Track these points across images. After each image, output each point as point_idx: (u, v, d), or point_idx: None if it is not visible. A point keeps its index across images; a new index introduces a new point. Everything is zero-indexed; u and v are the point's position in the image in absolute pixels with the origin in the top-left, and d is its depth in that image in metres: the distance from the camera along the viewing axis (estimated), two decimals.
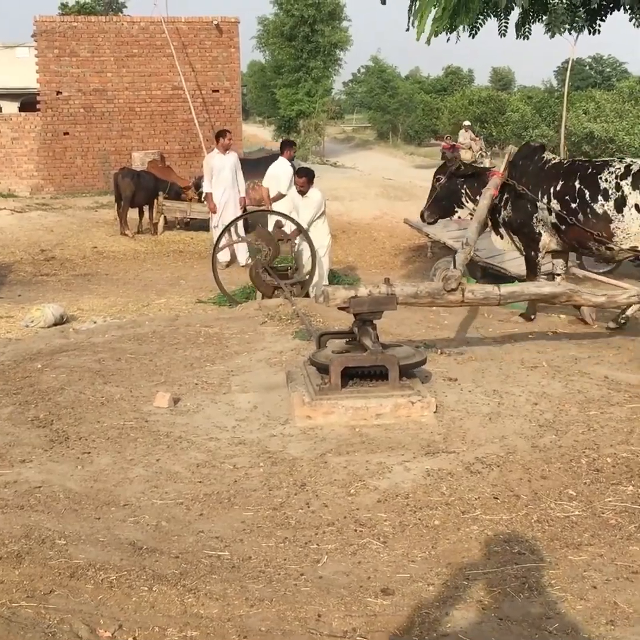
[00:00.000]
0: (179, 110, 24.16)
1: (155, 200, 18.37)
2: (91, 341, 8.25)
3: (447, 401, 6.33)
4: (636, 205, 8.42)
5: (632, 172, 8.50)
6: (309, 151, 38.94)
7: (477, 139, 29.97)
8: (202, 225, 18.59)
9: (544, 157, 9.24)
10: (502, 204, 9.27)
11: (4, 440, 5.74)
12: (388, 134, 57.72)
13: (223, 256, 13.94)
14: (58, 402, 6.48)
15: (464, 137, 30.31)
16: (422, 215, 10.00)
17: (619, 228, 8.51)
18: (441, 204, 9.76)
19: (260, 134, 54.55)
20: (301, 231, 10.84)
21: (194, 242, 17.82)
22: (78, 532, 4.49)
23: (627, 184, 8.47)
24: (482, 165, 9.56)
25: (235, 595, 3.87)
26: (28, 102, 28.98)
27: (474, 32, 9.83)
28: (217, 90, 24.51)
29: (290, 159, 14.26)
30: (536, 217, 9.02)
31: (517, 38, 10.04)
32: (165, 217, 18.50)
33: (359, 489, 5.03)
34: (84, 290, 12.95)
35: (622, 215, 8.48)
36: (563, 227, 8.86)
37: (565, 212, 8.75)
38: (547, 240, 9.08)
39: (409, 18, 9.62)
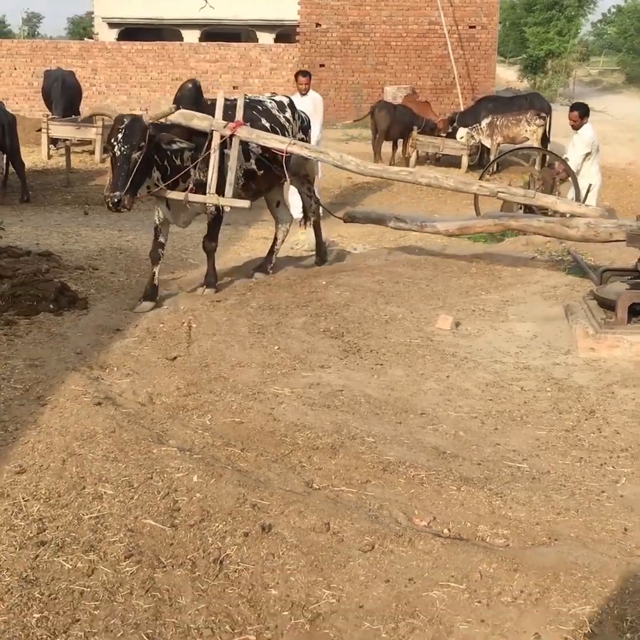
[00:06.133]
0: (434, 46, 24.17)
1: (410, 135, 18.58)
2: (367, 264, 8.61)
3: None
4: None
5: (286, 103, 8.47)
6: (556, 93, 38.01)
7: None
8: (453, 162, 18.71)
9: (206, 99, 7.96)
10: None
11: (302, 347, 6.16)
12: (639, 78, 55.22)
13: None
14: (345, 316, 6.85)
15: None
16: (118, 203, 6.82)
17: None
18: (137, 180, 7.03)
19: (501, 74, 53.36)
20: (569, 173, 10.75)
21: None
22: (383, 434, 4.82)
23: (290, 114, 8.41)
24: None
25: (540, 502, 4.09)
26: (283, 34, 29.68)
27: None
28: (474, 26, 24.28)
29: None
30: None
31: None
32: (417, 151, 18.68)
33: None
34: None
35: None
36: (261, 172, 7.99)
37: (266, 155, 7.90)
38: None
39: None
